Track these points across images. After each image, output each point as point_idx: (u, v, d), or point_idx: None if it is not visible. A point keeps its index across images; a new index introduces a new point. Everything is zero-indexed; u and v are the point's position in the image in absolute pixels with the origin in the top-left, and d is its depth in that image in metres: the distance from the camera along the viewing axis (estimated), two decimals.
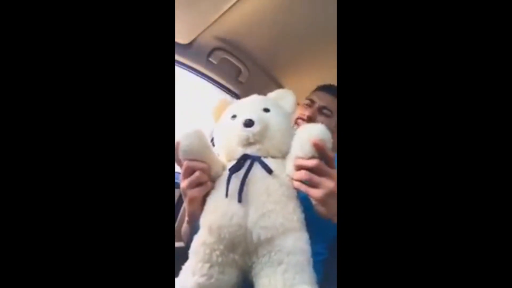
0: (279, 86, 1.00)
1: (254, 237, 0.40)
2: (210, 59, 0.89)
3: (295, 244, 0.41)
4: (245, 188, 0.42)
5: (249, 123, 0.45)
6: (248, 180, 0.43)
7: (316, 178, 0.42)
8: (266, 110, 0.50)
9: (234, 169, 0.44)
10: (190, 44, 0.84)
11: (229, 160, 0.48)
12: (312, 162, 0.42)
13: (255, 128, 0.45)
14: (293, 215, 0.42)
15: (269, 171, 0.44)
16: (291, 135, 0.48)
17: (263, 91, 0.57)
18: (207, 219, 0.44)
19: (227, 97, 0.59)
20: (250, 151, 0.46)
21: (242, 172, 0.44)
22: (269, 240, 0.41)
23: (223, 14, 0.74)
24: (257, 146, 0.46)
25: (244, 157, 0.46)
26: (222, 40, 0.84)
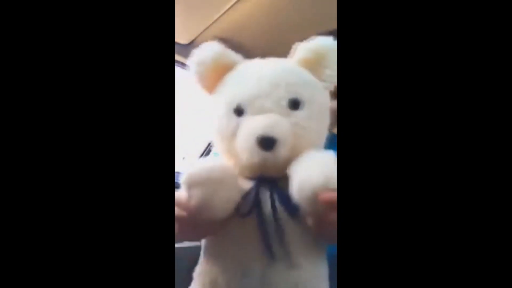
0: None
1: None
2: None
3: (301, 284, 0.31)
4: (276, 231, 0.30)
5: (266, 143, 0.29)
6: (269, 220, 0.30)
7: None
8: (296, 104, 0.31)
9: (250, 207, 0.31)
10: (190, 44, 0.84)
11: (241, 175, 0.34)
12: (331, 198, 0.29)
13: (277, 152, 0.29)
14: (322, 270, 0.32)
15: (292, 210, 0.30)
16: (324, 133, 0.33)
17: None
18: (205, 273, 0.33)
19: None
20: (269, 172, 0.32)
21: (266, 209, 0.30)
22: None
23: (223, 14, 0.74)
24: (279, 168, 0.31)
25: (259, 185, 0.32)
26: (222, 40, 0.84)
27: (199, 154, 1.10)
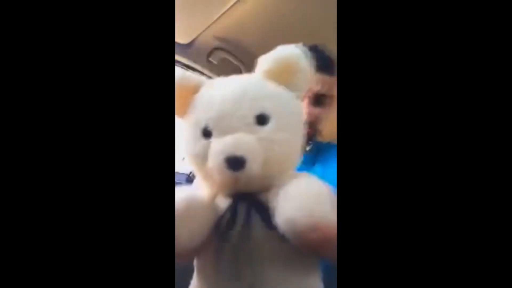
0: None
1: None
2: (210, 59, 0.89)
3: None
4: (242, 253, 0.30)
5: (235, 164, 0.28)
6: (246, 237, 0.30)
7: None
8: (263, 119, 0.30)
9: (222, 230, 0.30)
10: (190, 44, 0.84)
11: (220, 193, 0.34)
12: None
13: (247, 171, 0.28)
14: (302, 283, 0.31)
15: (270, 225, 0.29)
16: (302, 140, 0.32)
17: None
18: None
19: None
20: (246, 189, 0.31)
21: (240, 226, 0.30)
22: None
23: (223, 14, 0.74)
24: (255, 185, 0.30)
25: (236, 201, 0.31)
26: (222, 40, 0.84)
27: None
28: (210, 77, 0.94)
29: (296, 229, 0.27)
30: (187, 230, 0.30)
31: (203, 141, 0.31)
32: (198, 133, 0.32)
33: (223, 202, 0.33)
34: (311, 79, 0.34)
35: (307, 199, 0.27)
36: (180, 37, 0.82)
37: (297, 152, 0.33)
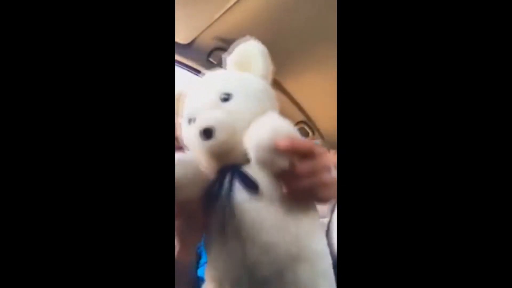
0: (279, 85, 1.00)
1: (259, 277, 0.33)
2: (210, 59, 0.89)
3: (309, 276, 0.33)
4: (231, 216, 0.34)
5: (207, 133, 0.33)
6: (233, 204, 0.34)
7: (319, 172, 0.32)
8: (227, 97, 0.36)
9: (210, 197, 0.35)
10: (190, 44, 0.84)
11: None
12: (303, 145, 0.31)
13: (217, 139, 0.33)
14: (297, 239, 0.34)
15: (252, 186, 0.34)
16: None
17: None
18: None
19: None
20: (227, 160, 0.36)
21: (225, 192, 0.35)
22: (277, 277, 0.33)
23: (223, 14, 0.74)
24: (232, 154, 0.35)
25: (223, 172, 0.36)
26: (222, 40, 0.84)
27: None
28: None
29: (261, 147, 0.31)
30: (186, 180, 0.35)
31: (189, 127, 0.38)
32: (186, 123, 0.39)
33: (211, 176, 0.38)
34: (267, 61, 0.41)
35: (266, 123, 0.32)
36: (180, 37, 0.82)
37: (262, 112, 0.37)
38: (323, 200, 0.35)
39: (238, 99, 0.36)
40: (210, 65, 0.90)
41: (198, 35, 0.81)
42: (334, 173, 0.32)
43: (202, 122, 0.34)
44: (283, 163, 0.31)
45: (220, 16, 0.75)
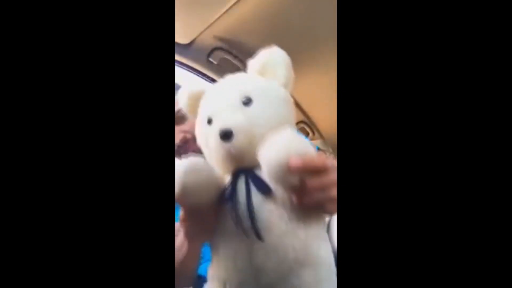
0: None
1: (264, 280, 0.34)
2: (210, 59, 0.89)
3: (313, 281, 0.34)
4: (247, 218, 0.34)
5: (226, 135, 0.34)
6: (241, 204, 0.35)
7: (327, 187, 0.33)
8: (247, 101, 0.37)
9: (228, 197, 0.35)
10: (190, 44, 0.84)
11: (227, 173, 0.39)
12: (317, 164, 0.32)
13: (236, 141, 0.34)
14: (305, 245, 0.34)
15: (265, 190, 0.34)
16: (291, 119, 0.39)
17: None
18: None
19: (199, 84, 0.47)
20: (242, 163, 0.36)
21: (241, 195, 0.35)
22: (282, 280, 0.34)
23: (223, 14, 0.74)
24: (248, 158, 0.35)
25: (237, 175, 0.36)
26: (222, 40, 0.84)
27: None
28: (210, 77, 0.94)
29: (274, 165, 0.31)
30: (198, 185, 0.35)
31: (208, 127, 0.38)
32: (205, 123, 0.39)
33: (226, 179, 0.38)
34: (289, 70, 0.41)
35: (280, 140, 0.32)
36: (180, 37, 0.82)
37: (280, 126, 0.36)
38: (330, 213, 0.36)
39: (259, 104, 0.37)
40: (210, 65, 0.90)
41: (198, 35, 0.81)
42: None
43: (222, 123, 0.35)
44: (294, 180, 0.32)
45: (220, 16, 0.75)
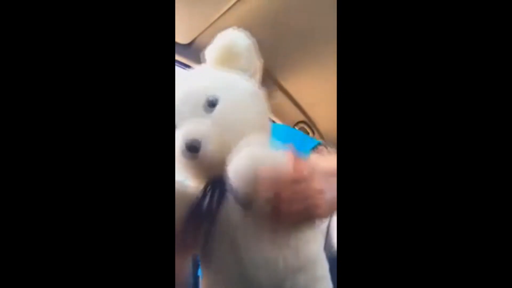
0: (279, 85, 1.00)
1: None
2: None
3: (308, 283, 0.33)
4: (221, 229, 0.32)
5: (192, 147, 0.30)
6: (221, 217, 0.32)
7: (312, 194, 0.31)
8: (213, 102, 0.32)
9: (197, 215, 0.32)
10: (190, 44, 0.84)
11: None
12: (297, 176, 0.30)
13: (204, 154, 0.30)
14: (296, 251, 0.32)
15: (246, 203, 0.30)
16: (264, 112, 0.34)
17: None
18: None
19: None
20: (214, 173, 0.32)
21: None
22: (278, 287, 0.32)
23: (223, 14, 0.74)
24: (220, 167, 0.31)
25: (211, 187, 0.33)
26: None
27: None
28: None
29: (241, 182, 0.28)
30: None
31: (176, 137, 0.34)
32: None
33: (199, 189, 0.35)
34: (254, 56, 0.36)
35: (243, 155, 0.29)
36: (180, 37, 0.82)
37: (253, 126, 0.33)
38: (320, 218, 0.34)
39: (225, 104, 0.33)
40: None
41: (198, 35, 0.81)
42: (331, 193, 0.31)
43: (187, 134, 0.31)
44: (266, 194, 0.29)
45: (220, 16, 0.75)
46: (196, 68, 0.38)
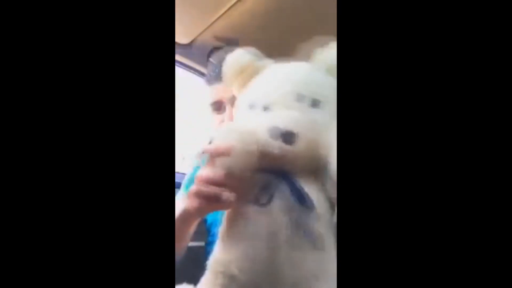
0: None
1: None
2: (210, 59, 0.89)
3: None
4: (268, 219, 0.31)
5: (288, 138, 0.30)
6: (272, 208, 0.31)
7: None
8: (316, 103, 0.32)
9: (264, 202, 0.31)
10: (190, 44, 0.84)
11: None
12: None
13: (297, 147, 0.30)
14: (328, 261, 0.32)
15: (303, 201, 0.31)
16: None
17: None
18: (219, 262, 0.34)
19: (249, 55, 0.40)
20: (282, 167, 0.32)
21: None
22: None
23: (223, 14, 0.74)
24: (293, 164, 0.32)
25: (270, 177, 0.32)
26: (222, 39, 0.84)
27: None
28: None
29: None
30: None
31: (262, 114, 0.33)
32: (259, 107, 0.34)
33: (264, 175, 0.34)
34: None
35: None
36: (180, 37, 0.82)
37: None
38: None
39: (327, 109, 0.32)
40: (209, 65, 0.90)
41: (198, 35, 0.81)
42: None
43: (284, 119, 0.30)
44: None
45: (220, 16, 0.75)
46: (306, 64, 0.38)
